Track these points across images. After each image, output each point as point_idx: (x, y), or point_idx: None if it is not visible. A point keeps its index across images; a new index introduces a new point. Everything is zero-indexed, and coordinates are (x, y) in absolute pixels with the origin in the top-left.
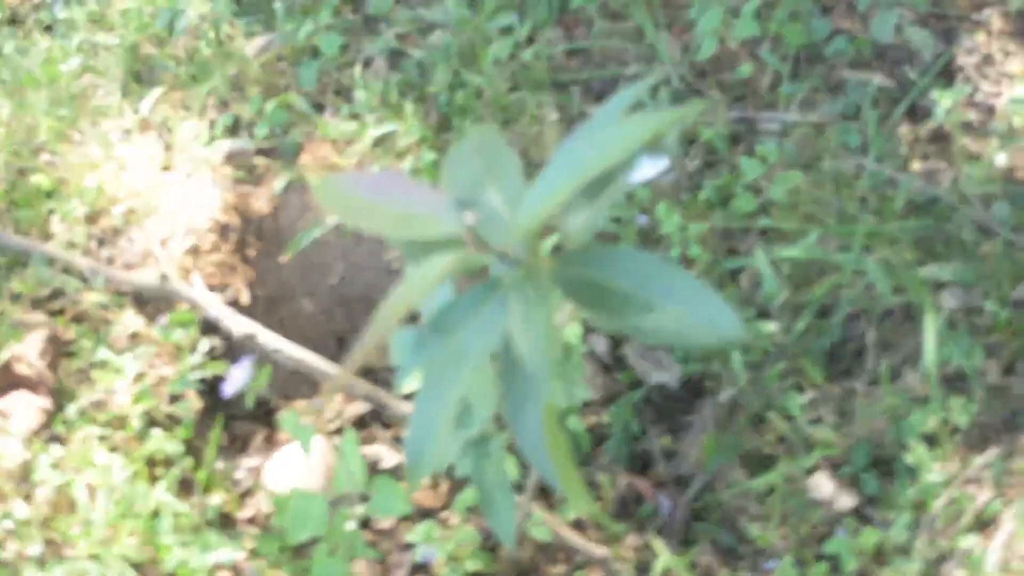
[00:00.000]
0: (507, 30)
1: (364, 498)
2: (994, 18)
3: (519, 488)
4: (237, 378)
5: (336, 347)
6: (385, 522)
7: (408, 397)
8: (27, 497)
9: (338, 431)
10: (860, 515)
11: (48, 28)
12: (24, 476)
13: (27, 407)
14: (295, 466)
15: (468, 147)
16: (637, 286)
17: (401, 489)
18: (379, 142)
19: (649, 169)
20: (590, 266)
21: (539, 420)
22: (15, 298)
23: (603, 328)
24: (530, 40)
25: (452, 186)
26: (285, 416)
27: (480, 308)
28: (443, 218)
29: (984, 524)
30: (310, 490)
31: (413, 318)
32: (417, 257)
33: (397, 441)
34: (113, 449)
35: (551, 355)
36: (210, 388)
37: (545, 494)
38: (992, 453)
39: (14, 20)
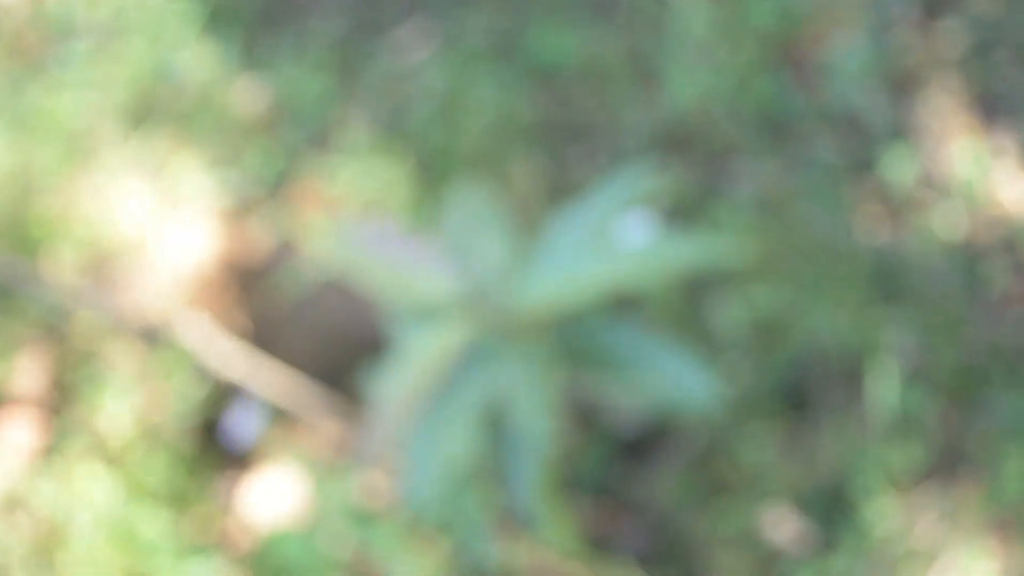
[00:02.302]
0: (493, 83)
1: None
2: (950, 77)
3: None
4: (242, 430)
5: (327, 384)
6: (367, 558)
7: None
8: (15, 521)
9: (326, 466)
10: (817, 554)
11: (49, 62)
12: (14, 499)
13: (21, 430)
14: (282, 500)
15: (460, 202)
16: (626, 356)
17: (392, 526)
18: (368, 191)
19: (635, 225)
20: (580, 335)
21: (534, 477)
22: (12, 324)
23: (589, 388)
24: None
25: (445, 241)
26: (286, 450)
27: (479, 370)
28: (440, 282)
29: (936, 567)
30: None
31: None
32: (411, 320)
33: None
34: (106, 475)
35: (552, 423)
36: (203, 423)
37: (523, 529)
38: (944, 496)
39: (14, 53)
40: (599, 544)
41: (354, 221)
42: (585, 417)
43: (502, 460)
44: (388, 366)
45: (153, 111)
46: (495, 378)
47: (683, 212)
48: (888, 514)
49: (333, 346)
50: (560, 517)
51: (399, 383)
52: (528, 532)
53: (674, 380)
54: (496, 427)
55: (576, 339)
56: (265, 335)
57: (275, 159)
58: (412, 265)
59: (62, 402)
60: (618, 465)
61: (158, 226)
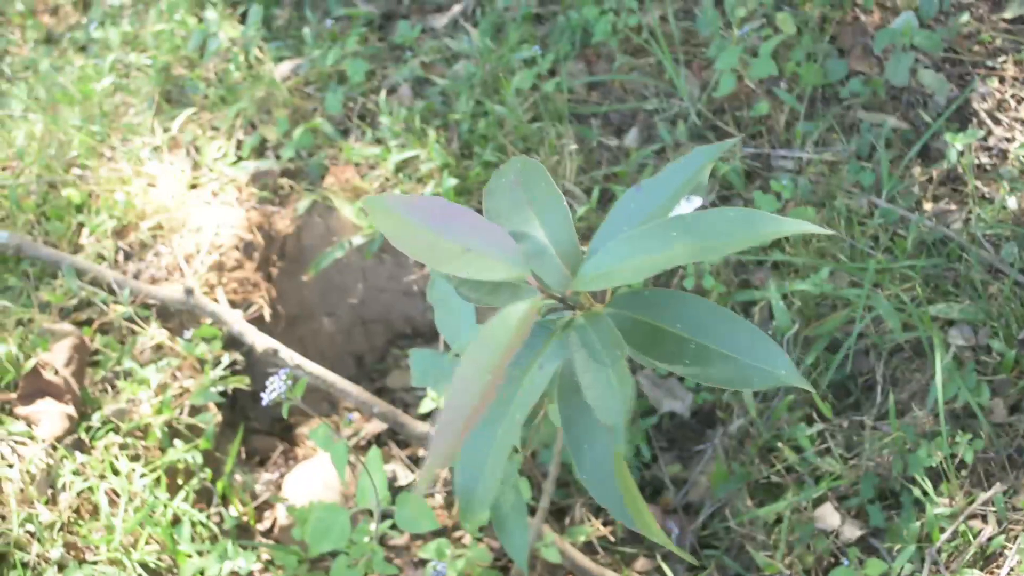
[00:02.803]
0: (529, 62)
1: (385, 515)
2: (1008, 65)
3: (531, 510)
4: (275, 387)
5: (355, 366)
6: (399, 538)
7: (425, 417)
8: (50, 502)
9: (356, 448)
10: (865, 546)
11: (83, 48)
12: (48, 481)
13: (52, 414)
14: (313, 481)
15: (508, 177)
16: (693, 330)
17: (427, 506)
18: (401, 167)
19: (686, 208)
20: (645, 310)
21: (605, 460)
22: (44, 307)
23: (655, 369)
24: (552, 72)
25: (495, 216)
26: (317, 431)
27: (539, 352)
28: (507, 259)
29: (988, 559)
30: (331, 504)
31: (420, 335)
32: (471, 294)
33: (413, 460)
34: (135, 458)
35: (626, 407)
36: (231, 402)
37: (556, 516)
38: (997, 489)
39: (50, 39)
40: (638, 534)
41: (403, 196)
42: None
43: (576, 449)
44: (449, 355)
45: (188, 87)
46: (557, 361)
47: (737, 191)
48: (942, 503)
49: (365, 326)
50: (642, 508)
51: (472, 373)
52: (560, 519)
53: (753, 358)
54: (567, 408)
55: (645, 314)
56: (297, 313)
57: (311, 136)
58: (472, 241)
59: (94, 383)
60: (663, 448)
61: (191, 203)
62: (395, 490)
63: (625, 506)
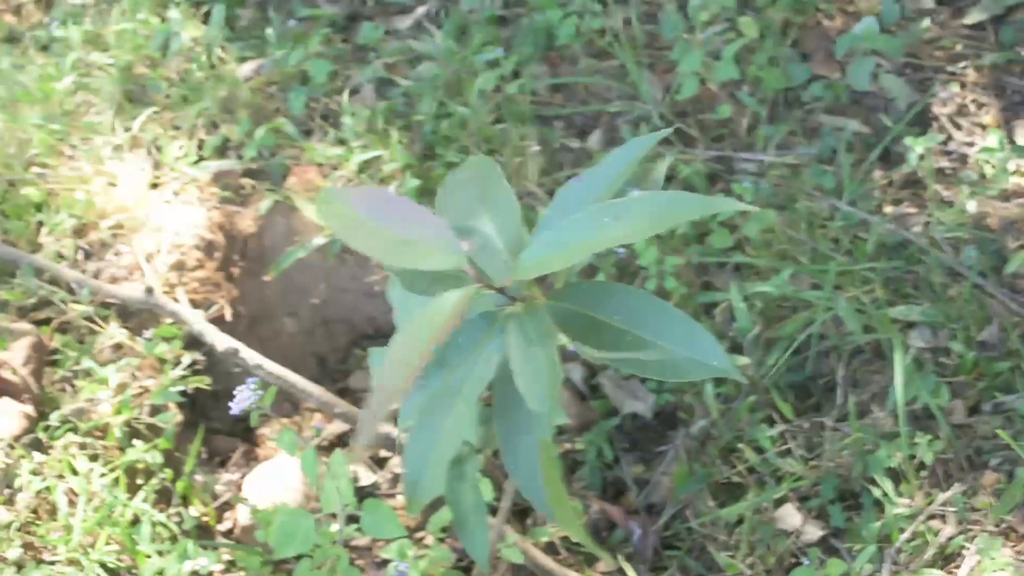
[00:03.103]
0: (493, 63)
1: (351, 518)
2: (969, 70)
3: (493, 510)
4: (245, 397)
5: (317, 366)
6: (361, 539)
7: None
8: (7, 502)
9: (318, 449)
10: (826, 546)
11: (44, 47)
12: (5, 481)
13: (10, 413)
14: (274, 481)
15: (464, 175)
16: (630, 322)
17: (393, 513)
18: (364, 167)
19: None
20: (584, 302)
21: (534, 451)
22: (2, 306)
23: (592, 360)
24: (515, 74)
25: (446, 212)
26: (283, 437)
27: (479, 343)
28: (445, 249)
29: (947, 559)
30: (295, 506)
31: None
32: (413, 285)
33: (375, 461)
34: (94, 457)
35: (553, 393)
36: (191, 402)
37: (518, 516)
38: (956, 489)
39: (11, 38)
40: (600, 535)
41: (354, 189)
42: (593, 396)
43: (502, 437)
44: (390, 341)
45: (149, 86)
46: (498, 351)
47: (693, 188)
48: (902, 503)
49: (327, 327)
50: (564, 501)
51: (400, 356)
52: (522, 519)
53: (686, 347)
54: (501, 397)
55: (583, 305)
56: (259, 313)
57: (274, 136)
58: (414, 232)
59: (52, 382)
60: (625, 449)
61: (152, 202)
62: (358, 490)
63: (549, 501)
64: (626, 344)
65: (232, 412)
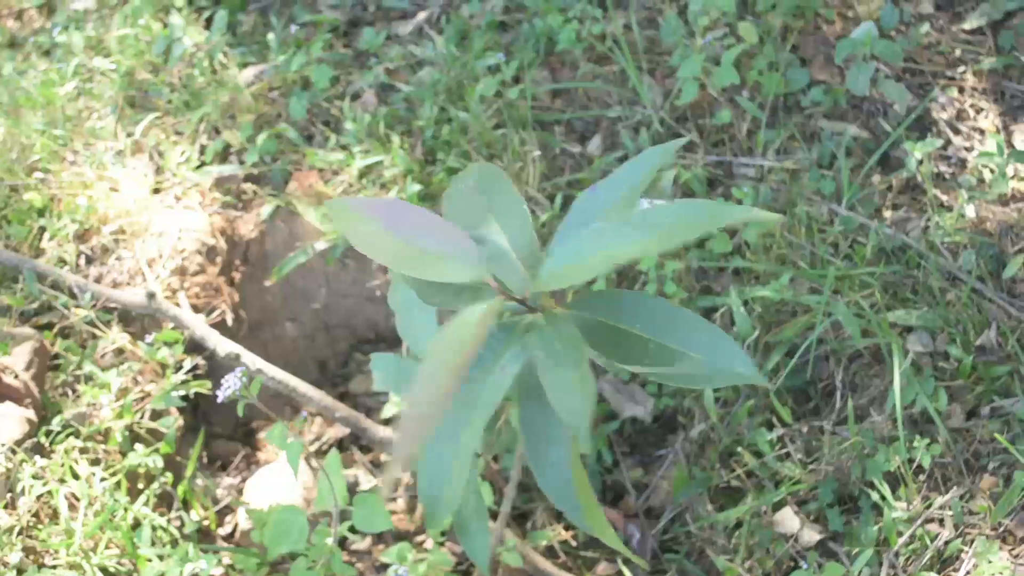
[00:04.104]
0: (494, 69)
1: (344, 517)
2: (968, 75)
3: (492, 514)
4: (230, 384)
5: (317, 371)
6: (361, 543)
7: (387, 422)
8: (9, 506)
9: (318, 453)
10: (824, 550)
11: (46, 52)
12: (7, 485)
13: (12, 418)
14: (275, 485)
15: (469, 182)
16: (654, 331)
17: (382, 505)
18: (365, 173)
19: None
20: (606, 311)
21: (564, 464)
22: (4, 311)
23: (616, 371)
24: (516, 79)
25: (453, 220)
26: (273, 430)
27: (501, 355)
28: (467, 261)
29: (944, 562)
30: (291, 505)
31: (383, 340)
32: (431, 296)
33: (375, 465)
34: (95, 462)
35: (589, 407)
36: (192, 406)
37: (518, 520)
38: (954, 493)
39: (13, 43)
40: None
41: (369, 200)
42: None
43: (534, 453)
44: (411, 359)
45: (151, 92)
46: (518, 363)
47: (693, 193)
48: (900, 507)
49: (328, 331)
50: (598, 512)
51: (430, 379)
52: (521, 523)
53: (711, 353)
54: (528, 410)
55: (606, 315)
56: (260, 318)
57: (275, 141)
58: (433, 243)
59: (54, 387)
60: (625, 453)
61: (154, 207)
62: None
63: (582, 511)
64: (650, 354)
65: (219, 399)
